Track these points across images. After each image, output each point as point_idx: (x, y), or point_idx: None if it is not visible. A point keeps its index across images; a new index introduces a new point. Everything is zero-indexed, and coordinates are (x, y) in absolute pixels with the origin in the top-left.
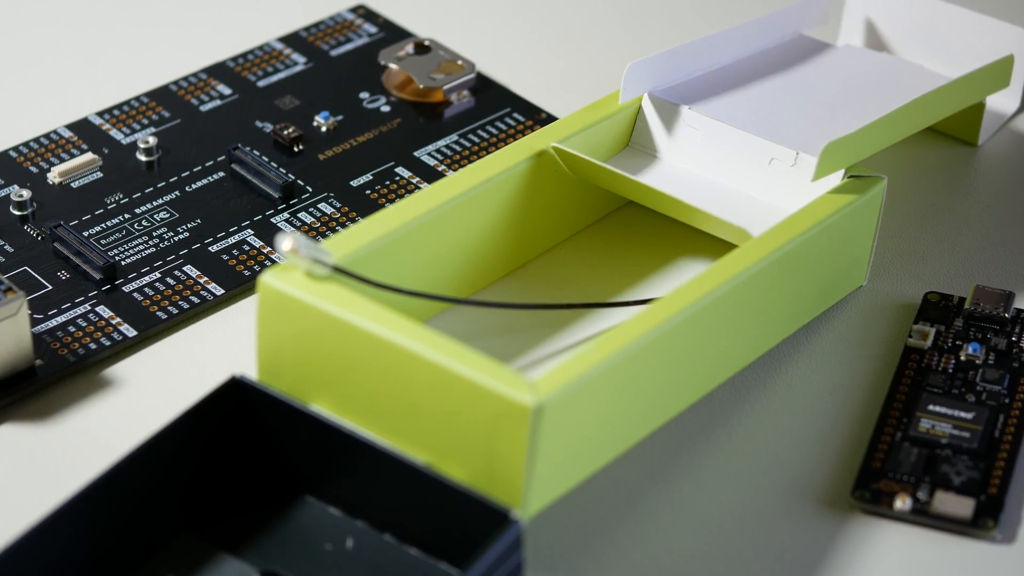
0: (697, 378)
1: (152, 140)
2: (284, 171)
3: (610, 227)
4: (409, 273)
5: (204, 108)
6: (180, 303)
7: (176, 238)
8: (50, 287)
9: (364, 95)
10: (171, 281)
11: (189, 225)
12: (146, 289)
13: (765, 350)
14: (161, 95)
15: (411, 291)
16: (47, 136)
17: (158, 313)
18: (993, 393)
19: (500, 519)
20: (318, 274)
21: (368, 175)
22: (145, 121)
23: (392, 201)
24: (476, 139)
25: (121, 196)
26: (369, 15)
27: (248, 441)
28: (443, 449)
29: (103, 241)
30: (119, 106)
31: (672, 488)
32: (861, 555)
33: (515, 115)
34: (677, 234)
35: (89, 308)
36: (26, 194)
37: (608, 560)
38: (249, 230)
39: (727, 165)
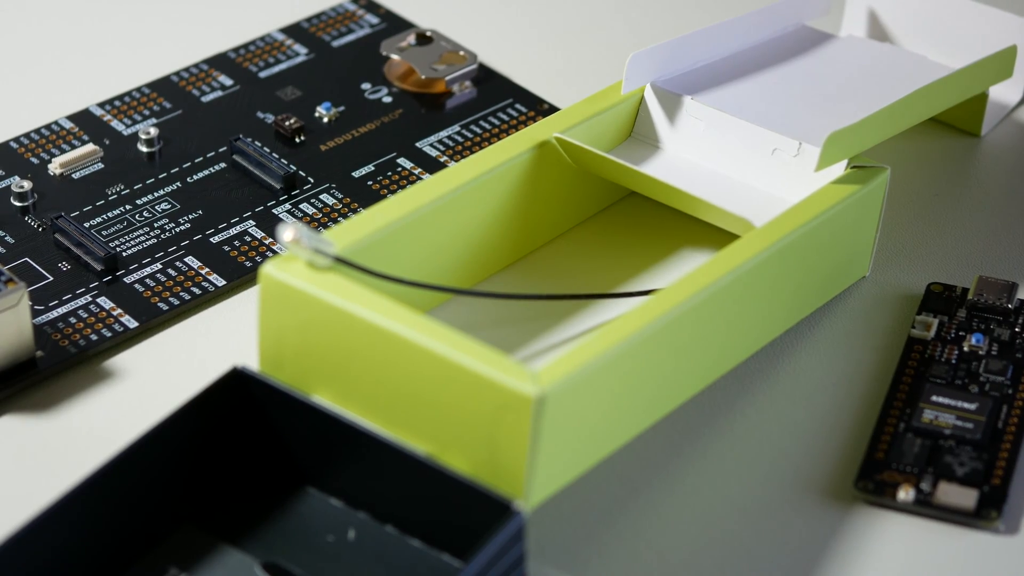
0: (700, 369)
1: (153, 131)
2: (285, 162)
3: (612, 218)
4: (411, 263)
5: (205, 99)
6: (181, 294)
7: (177, 229)
8: (51, 278)
9: (366, 86)
10: (172, 272)
11: (190, 216)
12: (147, 280)
13: (768, 341)
14: (162, 86)
15: (413, 281)
16: (48, 127)
17: (159, 304)
18: (996, 384)
19: (502, 510)
20: (320, 264)
21: (370, 166)
22: (146, 112)
23: (394, 192)
24: (478, 130)
25: (122, 187)
26: (371, 6)
27: (250, 432)
28: (445, 440)
29: (104, 232)
30: (120, 97)
31: (675, 479)
32: (864, 546)
33: (517, 106)
34: (680, 224)
35: (90, 299)
36: (27, 185)
37: (610, 551)
38: (251, 221)
39: (730, 155)
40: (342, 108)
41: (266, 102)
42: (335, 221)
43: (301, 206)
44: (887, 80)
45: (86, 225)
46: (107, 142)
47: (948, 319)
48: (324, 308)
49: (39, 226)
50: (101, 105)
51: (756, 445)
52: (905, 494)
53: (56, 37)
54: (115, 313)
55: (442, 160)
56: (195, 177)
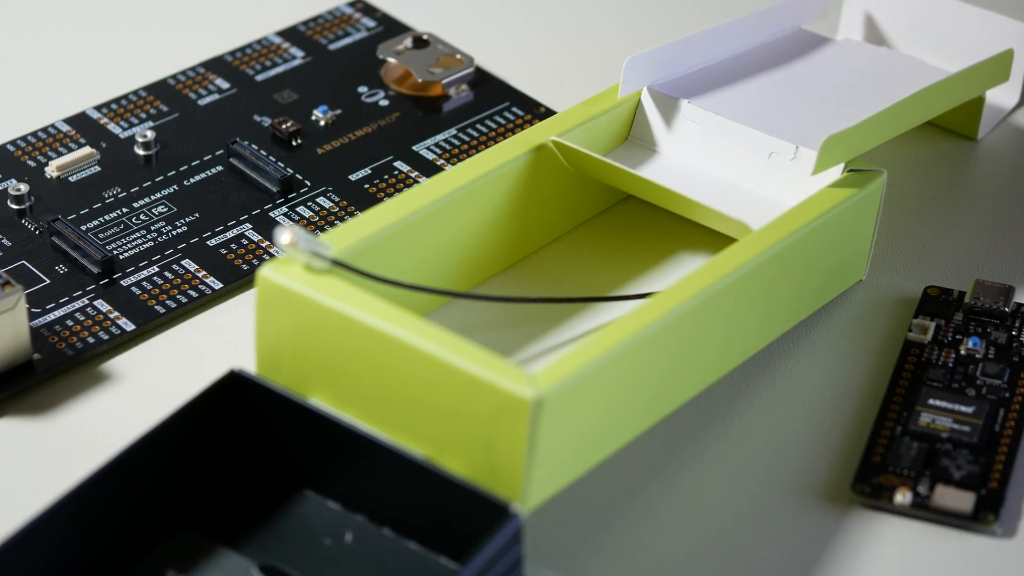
0: (697, 372)
1: (150, 134)
2: (282, 165)
3: (609, 221)
4: (408, 267)
5: (202, 102)
6: (178, 297)
7: (174, 232)
8: (48, 281)
9: (363, 89)
10: (169, 275)
11: (187, 219)
12: (144, 283)
13: (765, 344)
14: (159, 89)
15: (410, 284)
16: (45, 130)
17: (156, 307)
18: (993, 387)
19: (500, 513)
20: (317, 268)
21: (367, 169)
22: (143, 115)
23: (391, 195)
24: (475, 133)
25: (119, 190)
26: (367, 9)
27: (247, 435)
28: (443, 443)
29: (101, 235)
30: (117, 100)
31: (672, 482)
32: (861, 549)
33: (514, 109)
34: (677, 228)
35: (87, 302)
36: (24, 188)
37: (608, 554)
38: (248, 224)
39: (726, 159)
40: (339, 111)
41: (263, 105)
42: (332, 224)
43: (298, 209)
44: (884, 84)
45: (83, 228)
46: (104, 145)
47: (945, 322)
48: (321, 311)
49: (36, 229)
50: (98, 108)
51: (753, 448)
52: (902, 497)
53: (53, 40)
54: (112, 316)
55: (439, 163)
56: (192, 180)
